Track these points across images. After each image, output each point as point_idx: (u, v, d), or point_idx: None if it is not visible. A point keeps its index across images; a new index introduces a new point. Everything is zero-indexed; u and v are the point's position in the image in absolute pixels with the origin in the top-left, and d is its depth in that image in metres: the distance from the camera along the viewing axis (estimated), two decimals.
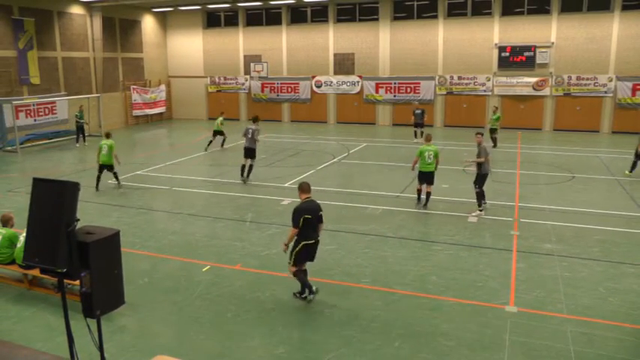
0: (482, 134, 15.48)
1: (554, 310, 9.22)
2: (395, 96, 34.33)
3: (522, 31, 31.38)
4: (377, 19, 33.95)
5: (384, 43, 33.90)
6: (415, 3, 33.35)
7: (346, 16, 34.94)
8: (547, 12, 31.05)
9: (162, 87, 39.16)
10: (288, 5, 35.64)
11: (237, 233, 13.31)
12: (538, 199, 16.49)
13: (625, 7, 29.49)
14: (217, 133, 25.82)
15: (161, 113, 39.15)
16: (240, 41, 37.66)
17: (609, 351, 7.96)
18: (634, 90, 29.94)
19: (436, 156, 15.30)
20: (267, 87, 37.20)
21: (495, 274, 10.74)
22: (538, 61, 31.15)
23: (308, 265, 9.64)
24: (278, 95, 37.05)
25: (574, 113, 31.11)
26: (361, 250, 12.09)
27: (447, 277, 10.57)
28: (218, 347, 8.09)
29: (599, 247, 12.44)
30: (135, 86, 36.39)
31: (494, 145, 25.04)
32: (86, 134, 28.67)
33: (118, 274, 5.59)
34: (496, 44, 31.83)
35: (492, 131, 25.58)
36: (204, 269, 10.96)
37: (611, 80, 30.35)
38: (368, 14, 34.35)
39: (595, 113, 30.95)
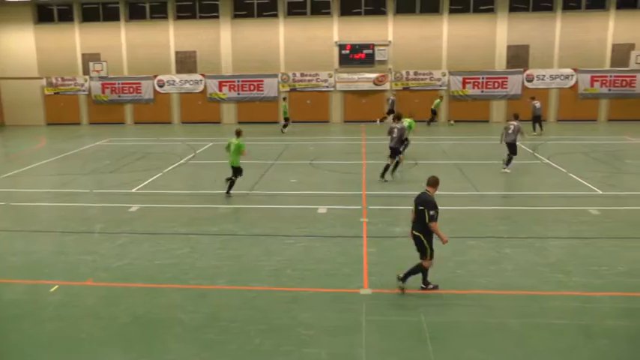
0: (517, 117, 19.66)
1: (406, 288, 9.80)
2: (239, 94, 34.36)
3: (361, 30, 32.96)
4: (217, 17, 33.65)
5: (225, 41, 33.74)
6: (255, 1, 33.57)
7: (186, 12, 34.17)
8: (383, 13, 32.97)
9: None
10: (126, 0, 34.21)
11: (86, 246, 12.51)
12: (385, 187, 17.41)
13: (452, 11, 32.85)
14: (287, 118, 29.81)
15: None
16: (77, 38, 35.14)
17: (457, 317, 8.82)
18: (464, 83, 33.44)
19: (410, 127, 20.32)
20: (107, 87, 35.31)
21: (348, 260, 11.20)
22: (377, 58, 33.04)
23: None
24: (120, 96, 35.38)
25: (413, 105, 32.95)
26: (215, 250, 11.98)
27: (301, 268, 10.82)
28: None
29: (446, 225, 13.26)
30: None
31: (430, 123, 31.52)
32: None
33: None
34: (336, 42, 33.06)
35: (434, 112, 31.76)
36: (52, 289, 10.12)
37: (444, 75, 33.37)
38: (208, 11, 33.91)
39: (431, 104, 33.00)
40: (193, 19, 34.15)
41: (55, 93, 36.01)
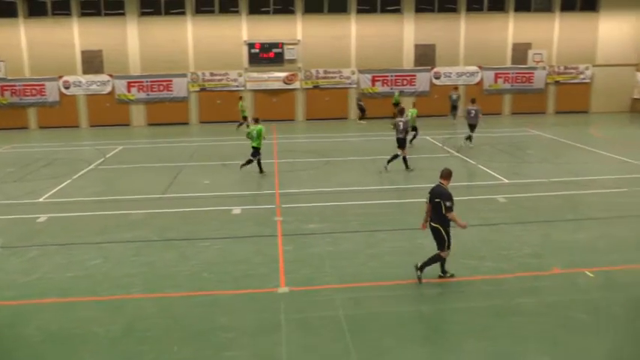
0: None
1: (322, 283, 10.00)
2: (148, 95, 33.33)
3: (270, 29, 32.89)
4: (124, 14, 32.38)
5: (132, 39, 32.60)
6: None
7: (91, 9, 32.57)
8: (292, 12, 33.05)
9: None
10: None
11: None
12: (298, 184, 17.51)
13: (359, 11, 33.50)
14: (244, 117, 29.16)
15: None
16: None
17: (374, 309, 9.04)
18: (373, 81, 34.14)
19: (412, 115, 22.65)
20: (7, 90, 32.93)
21: (265, 260, 11.17)
22: (286, 57, 33.08)
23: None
24: (21, 99, 33.20)
25: (324, 103, 33.51)
26: (129, 258, 11.54)
27: (218, 271, 10.69)
28: None
29: (357, 220, 13.75)
30: None
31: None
32: None
33: None
34: (245, 41, 32.81)
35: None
36: None
37: (354, 73, 33.90)
38: (114, 8, 32.52)
39: (342, 103, 34.04)
40: (98, 17, 32.62)
41: None
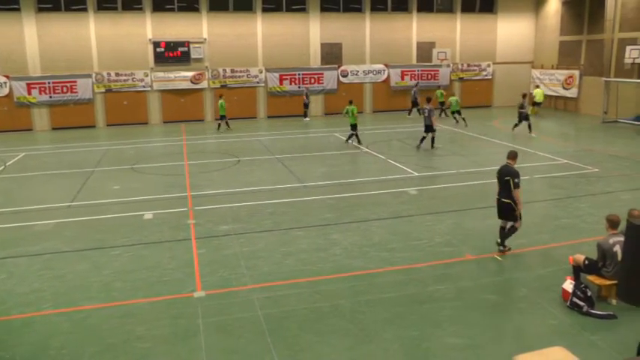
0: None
1: (239, 285, 9.92)
2: (51, 97, 31.55)
3: (175, 27, 32.18)
4: (19, 10, 30.24)
5: (30, 37, 30.58)
6: None
7: None
8: (197, 10, 32.49)
9: None
10: None
11: None
12: (210, 186, 17.28)
13: (265, 9, 33.51)
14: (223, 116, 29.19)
15: None
16: None
17: (292, 306, 9.07)
18: (281, 80, 34.29)
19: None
20: None
21: (179, 264, 10.95)
22: (193, 56, 32.51)
23: None
24: None
25: (233, 102, 33.16)
26: (37, 273, 10.84)
27: (132, 279, 10.33)
28: None
29: (271, 218, 13.75)
30: None
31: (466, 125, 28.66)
32: None
33: None
34: (150, 40, 31.92)
35: (457, 112, 29.42)
36: None
37: (261, 72, 33.84)
38: (7, 3, 30.24)
39: (251, 101, 34.01)
40: None
41: None
